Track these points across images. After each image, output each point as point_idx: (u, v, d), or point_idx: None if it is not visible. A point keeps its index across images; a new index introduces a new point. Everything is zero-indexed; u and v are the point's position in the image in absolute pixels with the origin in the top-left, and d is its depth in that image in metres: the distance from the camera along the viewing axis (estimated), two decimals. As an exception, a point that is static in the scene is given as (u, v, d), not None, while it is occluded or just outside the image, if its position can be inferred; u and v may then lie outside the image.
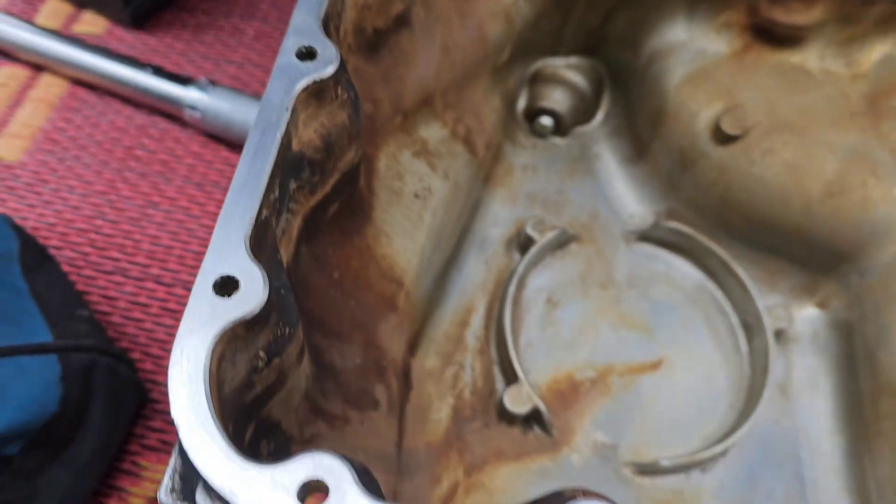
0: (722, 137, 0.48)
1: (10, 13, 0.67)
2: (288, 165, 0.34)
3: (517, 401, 0.45)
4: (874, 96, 0.50)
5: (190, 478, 0.26)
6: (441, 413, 0.46)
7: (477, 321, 0.50)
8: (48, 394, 0.42)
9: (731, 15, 0.50)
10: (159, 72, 0.61)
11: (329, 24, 0.37)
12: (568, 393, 0.47)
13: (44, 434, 0.42)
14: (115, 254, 0.56)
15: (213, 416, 0.25)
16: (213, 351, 0.26)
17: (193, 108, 0.59)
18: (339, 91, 0.35)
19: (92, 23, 0.69)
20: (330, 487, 0.24)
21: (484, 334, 0.49)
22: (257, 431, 0.32)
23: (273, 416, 0.33)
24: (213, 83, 0.60)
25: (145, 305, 0.55)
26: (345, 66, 0.36)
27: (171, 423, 0.50)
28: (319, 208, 0.39)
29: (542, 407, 0.45)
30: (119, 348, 0.48)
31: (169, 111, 0.61)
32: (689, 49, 0.51)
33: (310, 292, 0.40)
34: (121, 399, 0.46)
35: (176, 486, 0.27)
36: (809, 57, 0.51)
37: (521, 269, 0.49)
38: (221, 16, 0.70)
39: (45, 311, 0.45)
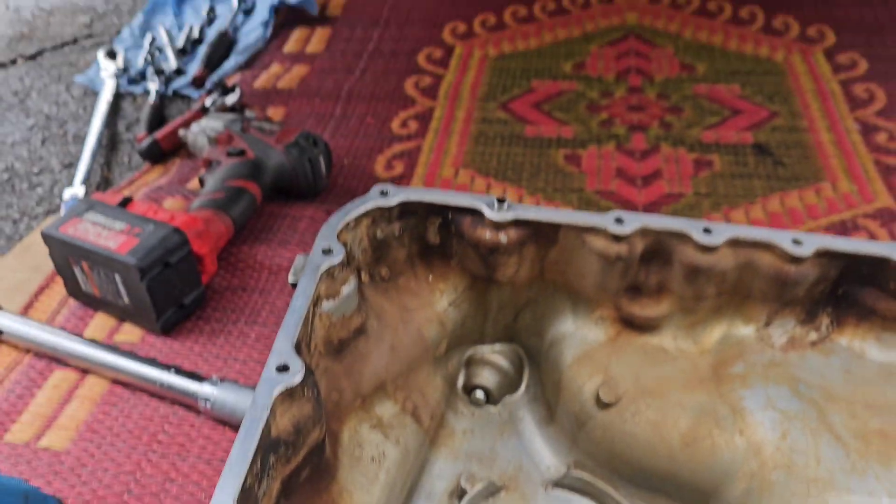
0: (601, 404, 0.63)
1: (64, 328, 0.84)
2: (268, 445, 0.49)
3: None
4: (717, 365, 0.65)
5: None
6: None
7: (425, 560, 0.62)
8: None
9: (603, 311, 0.67)
10: (179, 371, 0.77)
11: (300, 345, 0.54)
12: None
13: None
14: (137, 522, 0.69)
15: None
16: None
17: (206, 399, 0.75)
18: (306, 391, 0.52)
19: (130, 332, 0.86)
20: None
21: (431, 571, 0.62)
22: None
23: None
24: (222, 379, 0.76)
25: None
26: (311, 372, 0.53)
27: None
28: (294, 474, 0.53)
29: None
30: None
31: (186, 402, 0.76)
32: (576, 336, 0.68)
33: (287, 539, 0.53)
34: None
35: None
36: (665, 339, 0.67)
37: (457, 514, 0.62)
38: (230, 322, 0.88)
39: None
